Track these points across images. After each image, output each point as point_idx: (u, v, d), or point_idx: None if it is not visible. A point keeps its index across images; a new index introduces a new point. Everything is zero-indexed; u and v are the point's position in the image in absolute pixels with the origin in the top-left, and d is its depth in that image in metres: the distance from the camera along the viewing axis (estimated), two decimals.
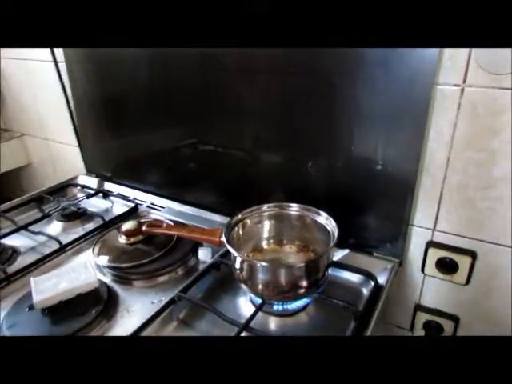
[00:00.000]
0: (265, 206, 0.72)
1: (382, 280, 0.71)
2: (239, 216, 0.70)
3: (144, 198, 1.06)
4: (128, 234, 0.81)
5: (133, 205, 1.01)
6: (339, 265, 0.74)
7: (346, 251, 0.78)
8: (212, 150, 0.93)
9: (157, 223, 0.76)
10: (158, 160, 1.04)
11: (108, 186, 1.14)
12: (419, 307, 0.81)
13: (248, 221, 0.71)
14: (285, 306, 0.64)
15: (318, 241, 0.69)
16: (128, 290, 0.75)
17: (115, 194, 1.08)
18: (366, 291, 0.71)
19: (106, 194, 1.08)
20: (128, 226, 0.83)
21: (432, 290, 0.79)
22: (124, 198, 1.06)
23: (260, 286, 0.61)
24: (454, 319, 0.78)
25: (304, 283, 0.60)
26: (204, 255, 0.80)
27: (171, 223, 0.84)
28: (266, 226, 0.73)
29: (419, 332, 0.84)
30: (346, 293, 0.71)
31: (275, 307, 0.65)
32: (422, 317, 0.81)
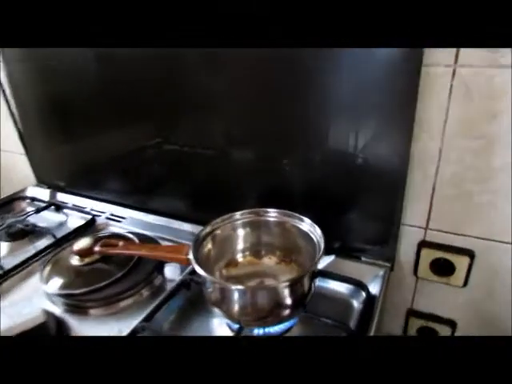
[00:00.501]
0: (237, 214, 0.62)
1: (374, 289, 0.62)
2: (208, 228, 0.60)
3: (103, 209, 0.94)
4: (81, 253, 0.68)
5: (89, 217, 0.89)
6: (325, 274, 0.64)
7: (332, 257, 0.69)
8: (178, 149, 0.82)
9: (112, 242, 0.64)
10: (117, 164, 0.91)
11: (61, 197, 1.00)
12: (412, 312, 0.73)
13: (219, 232, 0.61)
14: (266, 330, 0.54)
15: (301, 250, 0.60)
16: (83, 320, 0.63)
17: (69, 205, 0.95)
18: (356, 303, 0.62)
19: (59, 207, 0.95)
20: (81, 244, 0.70)
21: (426, 294, 0.71)
22: (80, 209, 0.93)
23: (236, 311, 0.51)
24: (451, 324, 0.71)
25: (288, 304, 0.51)
26: (171, 273, 0.70)
27: (134, 238, 0.73)
28: (241, 236, 0.64)
29: None
30: (335, 306, 0.62)
31: (256, 332, 0.55)
32: (416, 323, 0.74)
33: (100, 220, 0.89)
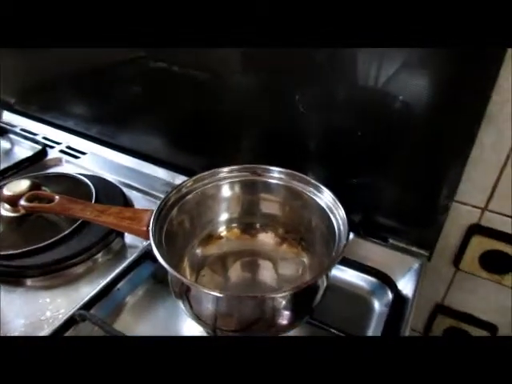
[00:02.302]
0: (224, 170, 0.47)
1: (404, 288, 0.48)
2: (182, 189, 0.45)
3: (59, 139, 0.77)
4: (13, 201, 0.52)
5: (39, 147, 0.73)
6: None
7: (350, 236, 0.53)
8: (165, 68, 0.63)
9: (45, 194, 0.47)
10: (84, 83, 0.73)
11: (9, 117, 0.82)
12: (441, 309, 0.60)
13: (193, 196, 0.46)
14: None
15: (313, 230, 0.46)
16: (15, 292, 0.48)
17: (17, 129, 0.78)
18: (379, 305, 0.48)
19: (4, 130, 0.77)
20: (15, 188, 0.54)
21: (464, 290, 0.57)
22: (29, 136, 0.76)
23: (209, 317, 0.38)
24: (490, 328, 0.57)
25: (288, 313, 0.37)
26: (133, 238, 0.54)
27: (88, 183, 0.59)
28: (227, 200, 0.49)
29: None
30: (348, 306, 0.48)
31: None
32: (444, 322, 0.61)
33: (53, 153, 0.73)
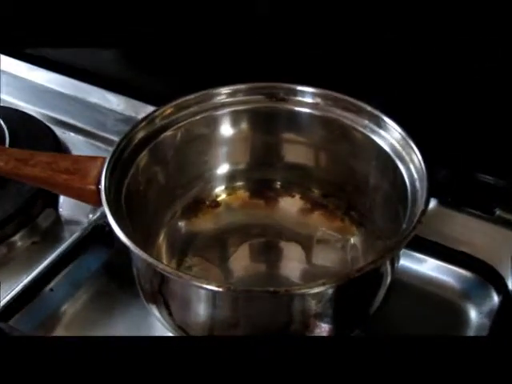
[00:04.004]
0: (224, 92, 0.51)
1: None
2: (155, 122, 0.48)
3: None
4: None
5: None
6: (414, 244, 0.52)
7: (431, 203, 0.57)
8: None
9: None
10: None
11: None
12: None
13: (176, 133, 0.50)
14: None
15: (370, 189, 0.50)
16: None
17: None
18: (476, 315, 0.51)
19: None
20: None
21: None
22: None
23: (203, 333, 0.42)
24: None
25: (327, 325, 0.40)
26: (76, 207, 0.61)
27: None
28: (229, 143, 0.54)
29: None
30: (426, 313, 0.52)
31: None
32: None
33: None
